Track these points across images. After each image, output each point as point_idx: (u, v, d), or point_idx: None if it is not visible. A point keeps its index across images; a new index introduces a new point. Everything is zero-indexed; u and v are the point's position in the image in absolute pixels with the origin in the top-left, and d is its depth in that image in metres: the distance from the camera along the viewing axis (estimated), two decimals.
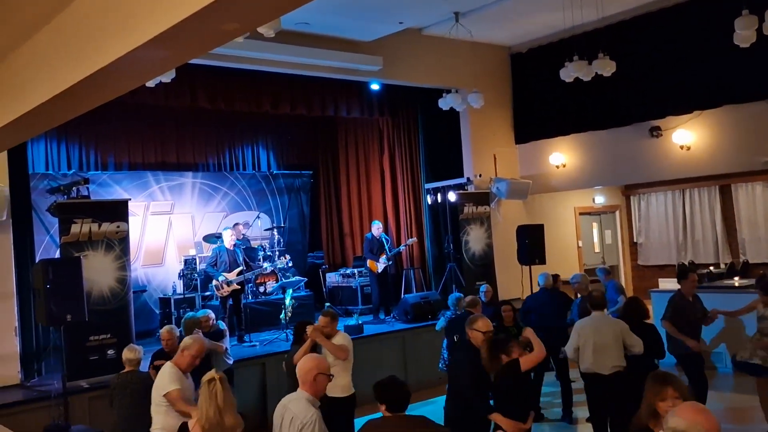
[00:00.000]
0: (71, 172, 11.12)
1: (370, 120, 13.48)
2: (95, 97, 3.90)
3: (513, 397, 4.97)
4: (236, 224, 11.73)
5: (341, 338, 6.34)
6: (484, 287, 9.48)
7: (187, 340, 5.33)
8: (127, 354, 6.16)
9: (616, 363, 6.30)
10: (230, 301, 10.26)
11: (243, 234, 11.84)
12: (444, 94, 11.27)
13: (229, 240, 10.41)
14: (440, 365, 8.33)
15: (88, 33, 3.36)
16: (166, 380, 5.05)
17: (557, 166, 12.55)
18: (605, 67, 9.30)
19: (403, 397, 3.90)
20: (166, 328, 6.92)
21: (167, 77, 8.22)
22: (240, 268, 10.23)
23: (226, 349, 7.41)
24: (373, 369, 8.42)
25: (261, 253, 11.69)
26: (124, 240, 8.54)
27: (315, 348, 6.12)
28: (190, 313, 7.69)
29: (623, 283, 14.72)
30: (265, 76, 10.68)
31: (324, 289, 12.66)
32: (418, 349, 10.07)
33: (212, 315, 7.52)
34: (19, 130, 4.70)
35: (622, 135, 11.48)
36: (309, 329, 6.23)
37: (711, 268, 12.67)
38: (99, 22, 3.24)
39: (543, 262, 11.18)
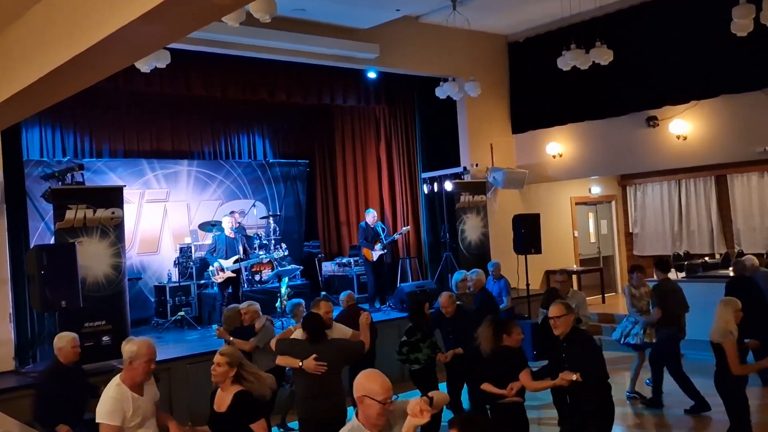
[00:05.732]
0: (66, 159, 11.07)
1: (367, 108, 13.43)
2: (88, 76, 3.88)
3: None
4: (232, 212, 11.70)
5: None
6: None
7: (131, 347, 4.30)
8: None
9: None
10: (229, 290, 10.24)
11: (239, 222, 11.82)
12: (441, 83, 11.23)
13: (228, 227, 10.42)
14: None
15: (80, 9, 3.33)
16: (104, 407, 4.14)
17: (554, 156, 12.53)
18: (602, 55, 9.27)
19: None
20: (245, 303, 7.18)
21: (162, 62, 8.16)
22: (237, 256, 10.21)
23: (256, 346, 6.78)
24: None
25: (257, 242, 11.67)
26: (118, 226, 8.52)
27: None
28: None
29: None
30: (260, 64, 10.61)
31: (320, 278, 12.65)
32: None
33: (256, 307, 7.11)
34: (12, 110, 4.67)
35: (619, 125, 11.47)
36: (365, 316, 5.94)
37: (706, 258, 12.71)
38: None
39: (539, 251, 11.17)
